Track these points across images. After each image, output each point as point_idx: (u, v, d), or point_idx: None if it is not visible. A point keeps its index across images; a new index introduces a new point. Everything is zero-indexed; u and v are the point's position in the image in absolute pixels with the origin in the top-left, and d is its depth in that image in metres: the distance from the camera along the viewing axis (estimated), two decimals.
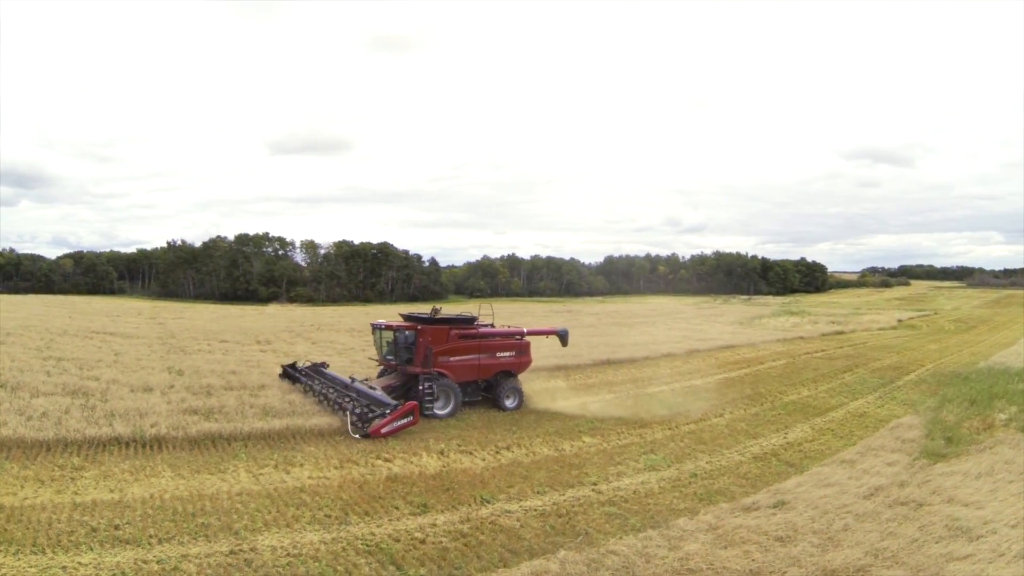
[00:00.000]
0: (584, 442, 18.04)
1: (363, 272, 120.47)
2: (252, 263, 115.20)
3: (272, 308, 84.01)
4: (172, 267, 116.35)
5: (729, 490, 14.14)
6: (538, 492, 13.85)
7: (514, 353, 22.58)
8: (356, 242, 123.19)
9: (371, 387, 20.29)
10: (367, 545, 10.93)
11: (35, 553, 10.07)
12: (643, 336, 45.25)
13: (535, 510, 12.82)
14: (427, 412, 19.99)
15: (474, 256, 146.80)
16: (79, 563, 9.80)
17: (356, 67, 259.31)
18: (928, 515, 11.63)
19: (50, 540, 10.52)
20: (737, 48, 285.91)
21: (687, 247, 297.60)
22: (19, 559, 9.83)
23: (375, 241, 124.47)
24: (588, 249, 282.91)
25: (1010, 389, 23.50)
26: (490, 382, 22.19)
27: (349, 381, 21.21)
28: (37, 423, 16.33)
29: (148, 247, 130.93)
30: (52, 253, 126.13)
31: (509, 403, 21.78)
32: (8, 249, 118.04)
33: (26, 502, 12.10)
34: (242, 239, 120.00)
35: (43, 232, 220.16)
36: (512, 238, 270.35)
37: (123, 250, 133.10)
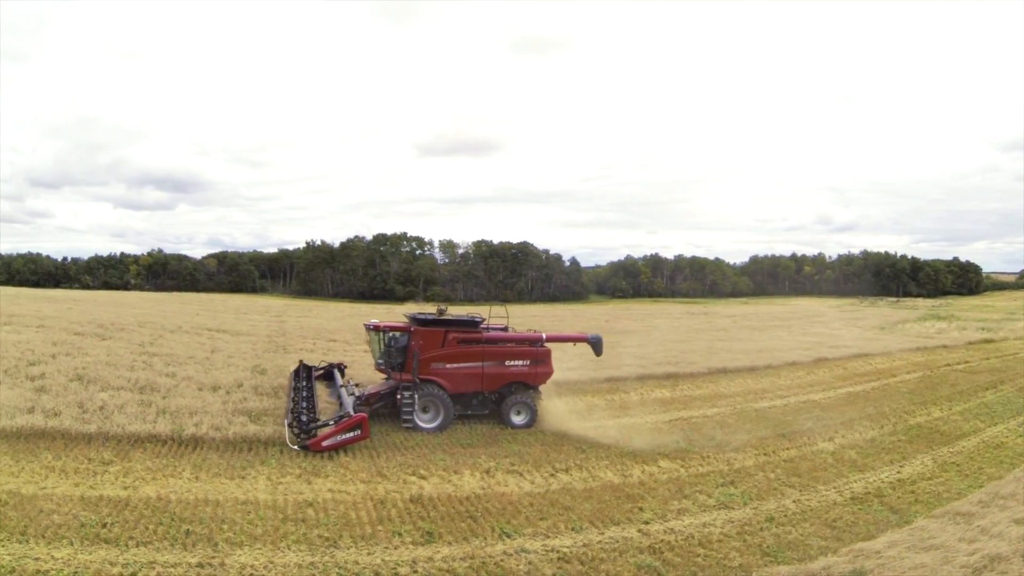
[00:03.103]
0: (658, 467, 15.66)
1: (503, 272, 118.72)
2: (389, 262, 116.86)
3: (407, 307, 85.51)
4: (311, 266, 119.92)
5: (805, 544, 11.38)
6: (573, 528, 11.85)
7: (528, 362, 19.53)
8: (495, 241, 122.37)
9: (352, 393, 18.55)
10: (342, 575, 9.80)
11: (19, 542, 10.15)
12: (772, 341, 41.42)
13: (557, 552, 10.85)
14: (408, 425, 17.95)
15: (624, 256, 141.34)
16: (52, 556, 9.73)
17: (501, 69, 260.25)
18: None
19: (38, 531, 10.57)
20: (882, 39, 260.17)
21: (839, 246, 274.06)
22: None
23: (527, 241, 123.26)
24: (738, 249, 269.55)
25: None
26: (501, 394, 19.47)
27: (340, 385, 19.74)
28: (88, 416, 16.52)
29: (293, 247, 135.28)
30: (205, 254, 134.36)
31: (517, 420, 18.95)
32: (157, 249, 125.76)
33: (42, 491, 12.24)
34: (379, 239, 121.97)
35: (199, 234, 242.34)
36: (663, 238, 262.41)
37: (270, 251, 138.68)
